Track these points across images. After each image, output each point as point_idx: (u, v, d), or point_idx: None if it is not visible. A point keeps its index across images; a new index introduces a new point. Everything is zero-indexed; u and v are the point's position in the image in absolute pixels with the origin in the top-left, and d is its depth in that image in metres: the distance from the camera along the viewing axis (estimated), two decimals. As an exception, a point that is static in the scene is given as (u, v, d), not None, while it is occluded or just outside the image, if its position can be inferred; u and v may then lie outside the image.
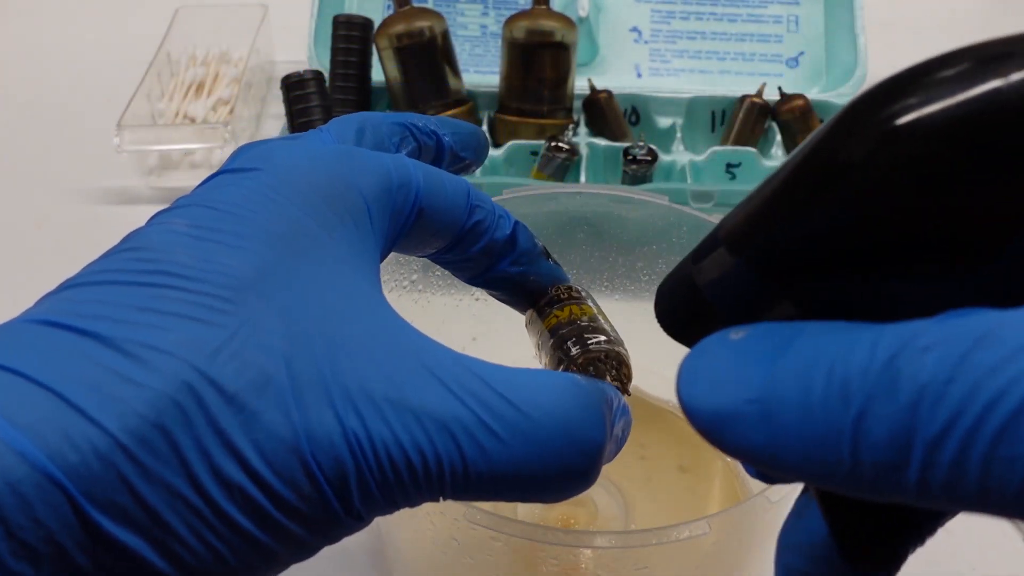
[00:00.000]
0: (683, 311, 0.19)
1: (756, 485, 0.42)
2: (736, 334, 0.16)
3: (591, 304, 0.30)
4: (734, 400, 0.15)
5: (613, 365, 0.28)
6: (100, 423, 0.17)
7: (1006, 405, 0.12)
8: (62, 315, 0.18)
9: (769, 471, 0.15)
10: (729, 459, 0.43)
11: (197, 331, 0.18)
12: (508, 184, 0.52)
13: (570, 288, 0.30)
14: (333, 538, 0.20)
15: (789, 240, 0.16)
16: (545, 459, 0.20)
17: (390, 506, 0.20)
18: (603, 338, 0.28)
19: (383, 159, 0.24)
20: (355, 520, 0.20)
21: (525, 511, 0.39)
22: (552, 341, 0.28)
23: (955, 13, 0.90)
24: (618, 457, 0.45)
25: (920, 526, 0.18)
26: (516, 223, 0.28)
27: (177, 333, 0.18)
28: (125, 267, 0.20)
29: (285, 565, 0.20)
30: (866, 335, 0.14)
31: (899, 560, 0.18)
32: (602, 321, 0.29)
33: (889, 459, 0.13)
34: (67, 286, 0.20)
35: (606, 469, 0.42)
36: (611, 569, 0.31)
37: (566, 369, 0.27)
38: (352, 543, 0.42)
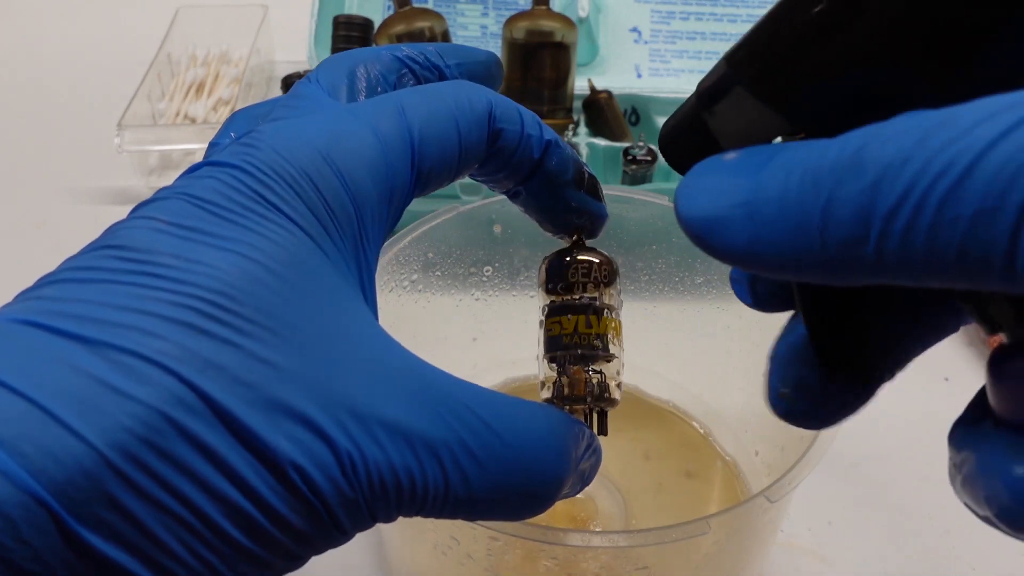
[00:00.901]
0: (687, 144, 0.21)
1: (756, 485, 0.42)
2: (728, 156, 0.18)
3: (604, 305, 0.27)
4: (723, 205, 0.17)
5: (597, 407, 0.27)
6: (85, 438, 0.16)
7: (952, 173, 0.14)
8: (43, 315, 0.18)
9: (752, 269, 0.17)
10: (729, 458, 0.43)
11: (186, 339, 0.18)
12: (508, 184, 0.52)
13: (589, 269, 0.27)
14: (319, 550, 0.20)
15: (785, 54, 0.17)
16: (514, 485, 0.21)
17: (372, 521, 0.20)
18: (593, 379, 0.27)
19: (374, 134, 0.22)
20: (340, 534, 0.20)
21: (525, 511, 0.39)
22: (547, 356, 0.27)
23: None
24: (619, 457, 0.45)
25: (890, 338, 0.20)
26: (549, 144, 0.26)
27: (165, 341, 0.18)
28: (108, 265, 0.19)
29: (277, 573, 0.20)
30: (837, 140, 0.16)
31: (872, 373, 0.21)
32: (606, 343, 0.27)
33: (852, 235, 0.15)
34: (47, 282, 0.19)
35: (607, 468, 0.42)
36: (611, 569, 0.31)
37: (552, 391, 0.27)
38: (353, 543, 0.41)
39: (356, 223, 0.21)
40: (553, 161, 0.26)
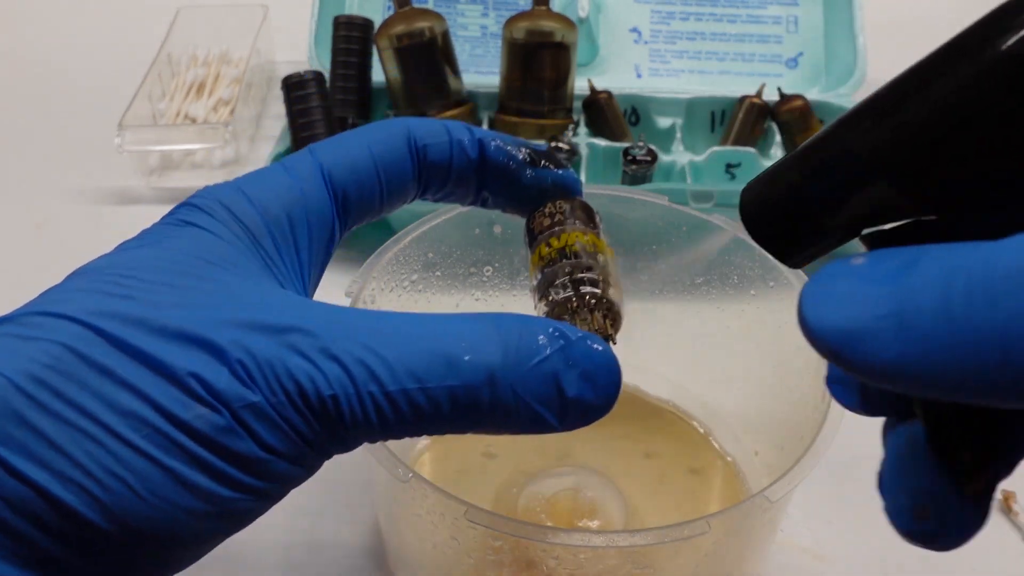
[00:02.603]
0: (780, 222, 0.19)
1: (756, 485, 0.42)
2: (857, 260, 0.17)
3: (573, 225, 0.27)
4: (864, 317, 0.16)
5: (592, 310, 0.25)
6: None
7: None
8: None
9: (899, 386, 0.15)
10: (729, 458, 0.43)
11: (90, 300, 0.20)
12: (508, 184, 0.52)
13: (556, 204, 0.28)
14: (265, 478, 0.20)
15: (953, 148, 0.16)
16: (438, 377, 0.21)
17: (295, 436, 0.20)
18: (573, 284, 0.25)
19: (284, 175, 0.25)
20: (269, 455, 0.20)
21: (525, 511, 0.39)
22: (535, 288, 0.27)
23: (955, 13, 0.90)
24: (619, 457, 0.45)
25: (1018, 437, 0.18)
26: (481, 141, 0.27)
27: (71, 303, 0.20)
28: (61, 282, 0.22)
29: (222, 508, 0.20)
30: (1002, 246, 0.14)
31: (996, 481, 0.18)
32: (582, 252, 0.26)
33: None
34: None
35: (607, 468, 0.42)
36: (611, 569, 0.31)
37: (547, 309, 0.26)
38: (353, 544, 0.42)
39: (268, 235, 0.24)
40: (494, 153, 0.27)
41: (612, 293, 0.26)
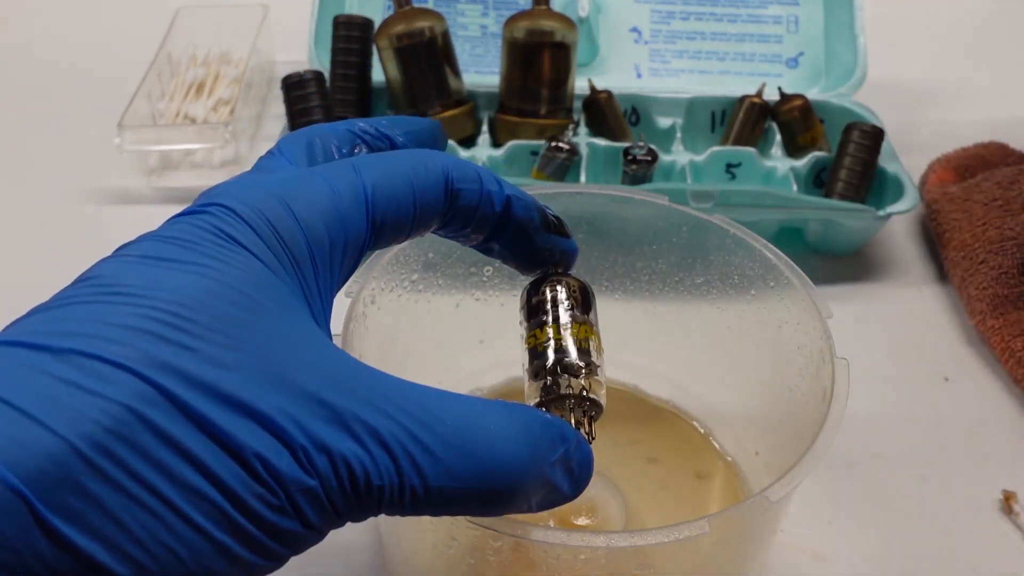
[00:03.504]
0: None
1: (756, 485, 0.42)
2: None
3: (576, 317, 0.29)
4: None
5: (579, 406, 0.27)
6: (54, 429, 0.17)
7: None
8: (18, 335, 0.19)
9: None
10: (730, 458, 0.44)
11: (146, 344, 0.19)
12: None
13: (561, 286, 0.29)
14: (294, 548, 0.21)
15: None
16: (473, 477, 0.22)
17: (336, 516, 0.21)
18: (571, 380, 0.27)
19: (328, 188, 0.24)
20: (307, 528, 0.21)
21: (525, 511, 0.39)
22: (528, 367, 0.28)
23: (955, 13, 0.90)
24: (619, 457, 0.45)
25: None
26: (510, 199, 0.28)
27: (126, 346, 0.19)
28: (78, 293, 0.20)
29: (250, 573, 0.20)
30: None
31: None
32: (581, 347, 0.28)
33: None
34: (33, 311, 0.20)
35: (607, 468, 0.42)
36: (611, 569, 0.31)
37: (537, 398, 0.28)
38: (353, 544, 0.42)
39: (310, 259, 0.23)
40: (518, 212, 0.28)
41: (601, 394, 0.28)
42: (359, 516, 0.22)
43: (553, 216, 0.29)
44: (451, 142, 0.61)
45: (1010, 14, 0.91)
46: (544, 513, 0.39)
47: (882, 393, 0.51)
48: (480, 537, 0.31)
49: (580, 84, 0.65)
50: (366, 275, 0.37)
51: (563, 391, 0.27)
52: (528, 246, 0.29)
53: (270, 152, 0.27)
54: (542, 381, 0.27)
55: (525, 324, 0.29)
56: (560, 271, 0.30)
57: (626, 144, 0.60)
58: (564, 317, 0.29)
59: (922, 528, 0.44)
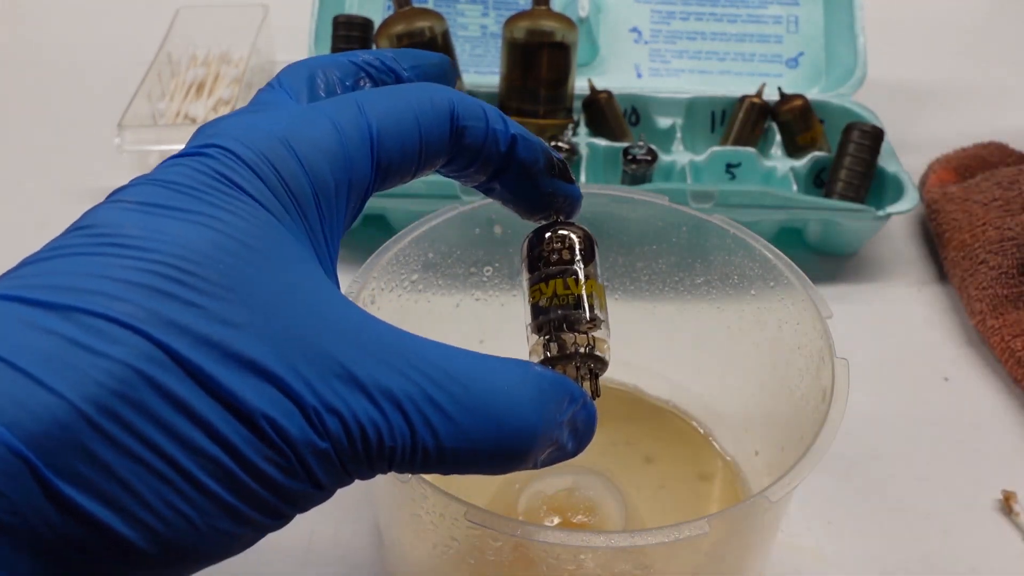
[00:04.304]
0: None
1: (756, 485, 0.42)
2: None
3: (580, 270, 0.28)
4: None
5: (585, 363, 0.27)
6: (58, 391, 0.17)
7: None
8: (14, 288, 0.18)
9: None
10: (729, 458, 0.44)
11: (151, 301, 0.18)
12: (508, 184, 0.52)
13: (565, 238, 0.28)
14: (299, 506, 0.21)
15: None
16: (485, 437, 0.22)
17: (347, 476, 0.21)
18: (576, 337, 0.27)
19: (332, 126, 0.23)
20: (316, 489, 0.20)
21: (525, 511, 0.39)
22: (532, 322, 0.27)
23: (955, 13, 0.90)
24: (619, 457, 0.45)
25: None
26: (515, 137, 0.27)
27: (131, 304, 0.18)
28: (77, 242, 0.20)
29: (254, 534, 0.20)
30: None
31: None
32: (587, 303, 0.27)
33: None
34: (26, 262, 0.20)
35: (607, 468, 0.42)
36: (611, 569, 0.31)
37: (541, 355, 0.27)
38: (353, 543, 0.42)
39: (315, 205, 0.22)
40: (523, 152, 0.27)
41: (606, 350, 0.27)
42: (368, 475, 0.21)
43: (558, 160, 0.28)
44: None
45: (1009, 14, 0.91)
46: (544, 513, 0.39)
47: (882, 393, 0.51)
48: (480, 537, 0.31)
49: (580, 84, 0.65)
50: (366, 275, 0.37)
51: (570, 349, 0.27)
52: (531, 189, 0.28)
53: (269, 85, 0.25)
54: (547, 337, 0.27)
55: (528, 276, 0.28)
56: (562, 219, 0.29)
57: (626, 144, 0.60)
58: (569, 270, 0.28)
59: (922, 528, 0.44)
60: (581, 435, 0.25)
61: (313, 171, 0.22)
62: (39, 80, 0.79)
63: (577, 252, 0.28)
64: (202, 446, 0.18)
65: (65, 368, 0.17)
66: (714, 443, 0.44)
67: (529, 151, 0.27)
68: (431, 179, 0.56)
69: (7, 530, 0.16)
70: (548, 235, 0.28)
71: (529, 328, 0.28)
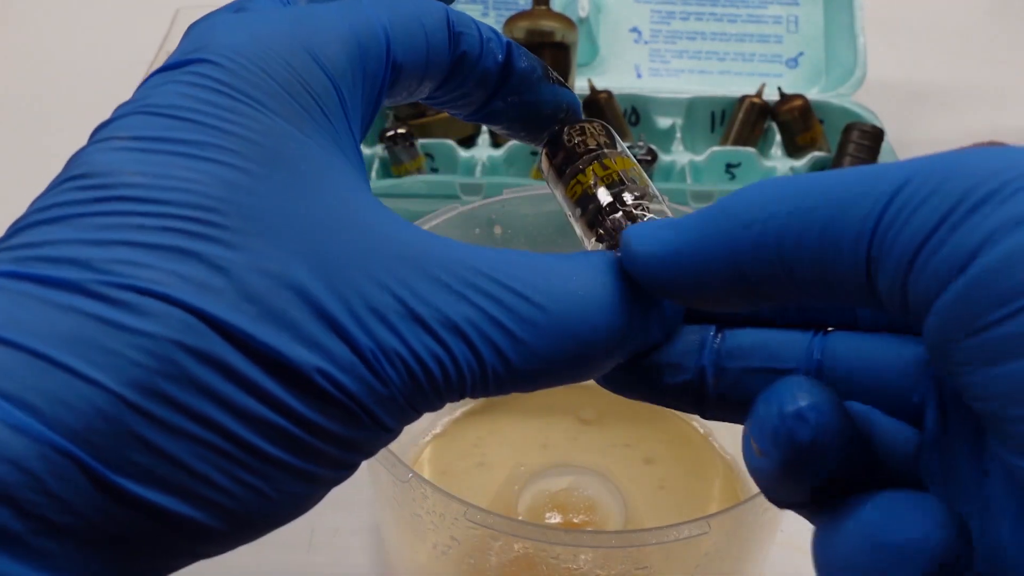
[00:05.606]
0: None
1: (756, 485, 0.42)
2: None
3: (609, 148, 0.26)
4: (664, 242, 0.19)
5: None
6: (96, 380, 0.15)
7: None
8: (20, 263, 0.16)
9: (681, 288, 0.19)
10: (729, 458, 0.43)
11: (175, 264, 0.17)
12: (508, 184, 0.52)
13: (584, 128, 0.27)
14: (369, 451, 0.19)
15: None
16: (561, 352, 0.20)
17: (415, 413, 0.19)
18: (633, 210, 0.25)
19: (341, 17, 0.21)
20: (385, 432, 0.19)
21: (525, 511, 0.39)
22: (583, 217, 0.26)
23: (955, 13, 0.90)
24: (619, 457, 0.45)
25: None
26: (509, 44, 0.25)
27: (154, 269, 0.16)
28: (73, 198, 0.17)
29: (327, 488, 0.19)
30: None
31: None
32: (631, 176, 0.26)
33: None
34: (17, 228, 0.17)
35: (606, 468, 0.42)
36: (611, 569, 0.31)
37: (602, 241, 0.25)
38: (352, 543, 0.42)
39: (337, 99, 0.20)
40: (519, 61, 0.25)
41: (663, 210, 0.26)
42: (438, 406, 0.20)
43: (547, 65, 0.27)
44: (450, 142, 0.61)
45: (1009, 14, 0.91)
46: (544, 513, 0.39)
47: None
48: (480, 537, 0.31)
49: (580, 84, 0.65)
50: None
51: (629, 223, 0.24)
52: (534, 100, 0.26)
53: None
54: (603, 225, 0.25)
55: (558, 181, 0.27)
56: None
57: (626, 144, 0.60)
58: (602, 153, 0.26)
59: (922, 528, 0.44)
60: (670, 320, 0.22)
61: (330, 61, 0.20)
62: (38, 80, 0.79)
63: (602, 137, 0.27)
64: (258, 413, 0.17)
65: (97, 351, 0.16)
66: (714, 443, 0.44)
67: (526, 59, 0.25)
68: (431, 179, 0.56)
69: (68, 532, 0.15)
70: (567, 131, 0.27)
71: (578, 224, 0.26)
